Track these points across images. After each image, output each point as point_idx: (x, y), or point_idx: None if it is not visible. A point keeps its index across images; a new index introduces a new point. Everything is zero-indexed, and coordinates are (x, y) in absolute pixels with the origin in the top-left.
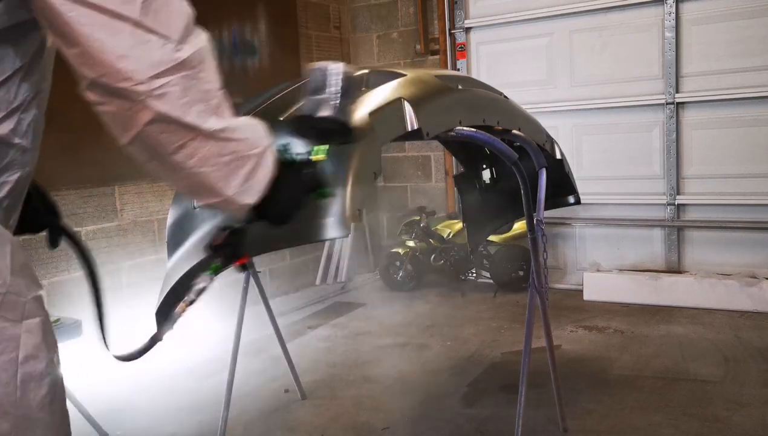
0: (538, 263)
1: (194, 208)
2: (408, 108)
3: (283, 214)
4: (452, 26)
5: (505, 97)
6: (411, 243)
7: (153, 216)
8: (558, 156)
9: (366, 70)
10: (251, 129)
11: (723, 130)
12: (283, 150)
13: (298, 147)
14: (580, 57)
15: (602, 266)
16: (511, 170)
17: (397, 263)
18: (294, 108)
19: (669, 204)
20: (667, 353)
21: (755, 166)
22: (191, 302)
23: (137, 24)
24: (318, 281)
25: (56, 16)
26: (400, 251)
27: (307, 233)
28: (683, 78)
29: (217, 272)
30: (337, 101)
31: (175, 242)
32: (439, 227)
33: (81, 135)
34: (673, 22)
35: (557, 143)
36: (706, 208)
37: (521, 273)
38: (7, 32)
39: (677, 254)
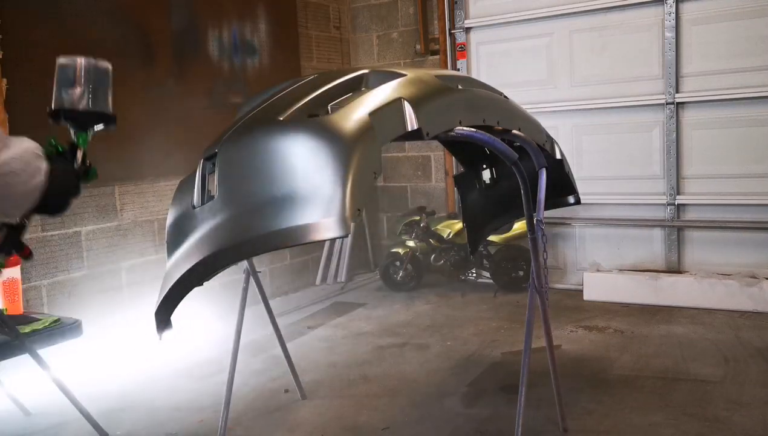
0: (538, 263)
1: (193, 207)
2: (408, 108)
3: (59, 206)
4: (452, 26)
5: (505, 97)
6: (411, 243)
7: (153, 216)
8: (558, 156)
9: (366, 70)
10: (21, 161)
11: (723, 130)
12: (52, 145)
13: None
14: (580, 57)
15: (602, 266)
16: (511, 170)
17: (397, 263)
18: (294, 108)
19: (669, 204)
20: (667, 353)
21: (755, 166)
22: None
23: None
24: (318, 281)
25: None
26: (400, 251)
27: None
28: (683, 78)
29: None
30: (89, 93)
31: (175, 242)
32: (439, 227)
33: None
34: (673, 22)
35: (557, 143)
36: (706, 208)
37: (521, 273)
38: None
39: (677, 254)
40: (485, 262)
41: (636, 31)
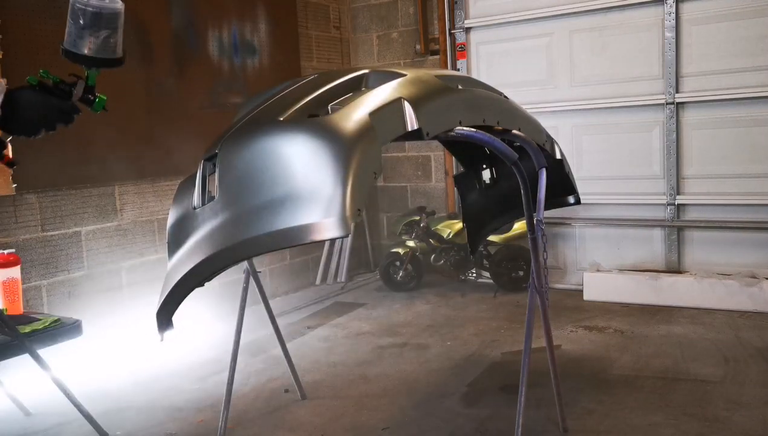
0: (538, 263)
1: (194, 208)
2: (408, 108)
3: (24, 126)
4: (452, 26)
5: (505, 97)
6: (411, 243)
7: (153, 216)
8: (558, 156)
9: (366, 70)
10: None
11: (723, 130)
12: (43, 76)
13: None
14: (580, 57)
15: (602, 266)
16: (511, 170)
17: (397, 263)
18: (294, 108)
19: (669, 204)
20: (667, 353)
21: (755, 166)
22: None
23: None
24: (318, 281)
25: None
26: (400, 251)
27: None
28: (683, 78)
29: None
30: (95, 37)
31: (175, 243)
32: (439, 226)
33: (81, 135)
34: (673, 22)
35: (557, 143)
36: (706, 208)
37: (521, 273)
38: None
39: (677, 254)
40: (485, 262)
41: (636, 31)
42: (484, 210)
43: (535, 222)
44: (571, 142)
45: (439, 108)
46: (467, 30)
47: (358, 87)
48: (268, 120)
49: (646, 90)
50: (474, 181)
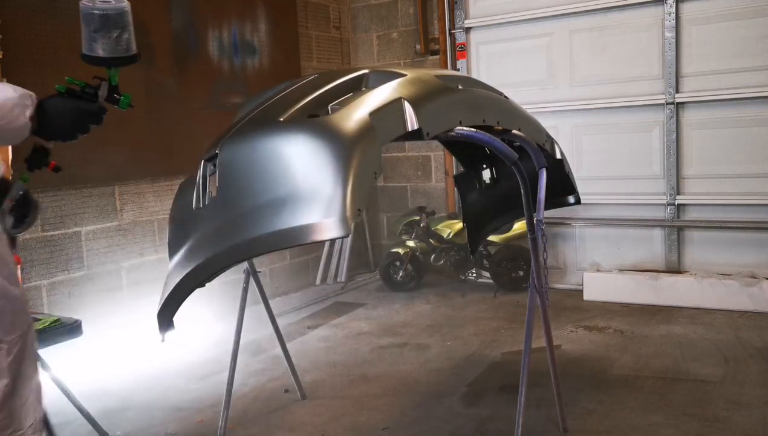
0: (538, 263)
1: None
2: (408, 108)
3: (58, 133)
4: (452, 26)
5: (505, 97)
6: (411, 243)
7: (153, 216)
8: (558, 156)
9: (366, 70)
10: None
11: (723, 130)
12: (72, 82)
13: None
14: (580, 57)
15: (602, 266)
16: (511, 170)
17: (397, 263)
18: (294, 108)
19: (669, 204)
20: (667, 353)
21: (755, 166)
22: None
23: None
24: (318, 281)
25: None
26: (400, 251)
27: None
28: (683, 78)
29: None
30: (107, 38)
31: (176, 244)
32: (439, 226)
33: None
34: (673, 22)
35: (557, 143)
36: (706, 208)
37: (521, 273)
38: None
39: (677, 254)
40: (485, 262)
41: (636, 31)
42: (484, 210)
43: (535, 222)
44: (571, 142)
45: (439, 108)
46: (467, 30)
47: (358, 87)
48: (268, 120)
49: (646, 90)
50: (474, 181)
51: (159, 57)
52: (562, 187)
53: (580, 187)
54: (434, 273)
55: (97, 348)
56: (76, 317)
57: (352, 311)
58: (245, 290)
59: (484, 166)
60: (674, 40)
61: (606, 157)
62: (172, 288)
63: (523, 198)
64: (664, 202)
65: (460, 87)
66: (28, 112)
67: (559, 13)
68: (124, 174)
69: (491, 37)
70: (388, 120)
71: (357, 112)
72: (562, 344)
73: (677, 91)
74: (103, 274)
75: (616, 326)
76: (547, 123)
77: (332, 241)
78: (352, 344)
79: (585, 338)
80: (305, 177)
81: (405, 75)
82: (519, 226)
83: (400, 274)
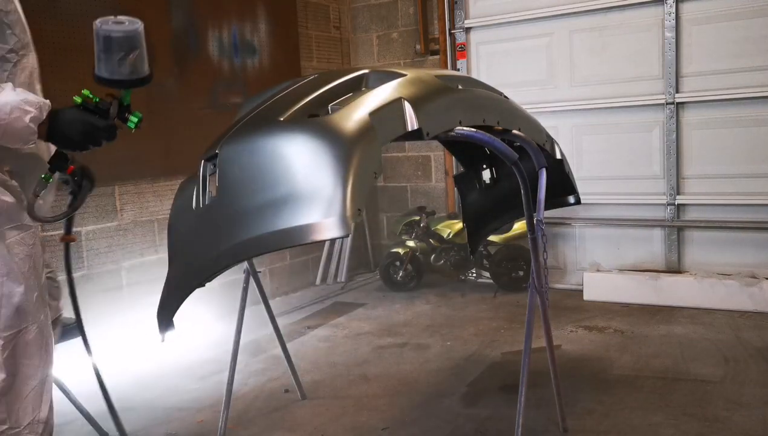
0: (538, 263)
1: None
2: (408, 108)
3: (67, 141)
4: (452, 26)
5: (505, 97)
6: (411, 243)
7: (153, 216)
8: (558, 156)
9: (366, 70)
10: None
11: (723, 130)
12: (86, 96)
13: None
14: (580, 57)
15: (602, 266)
16: (511, 170)
17: (397, 263)
18: (294, 108)
19: (669, 204)
20: (667, 353)
21: (755, 166)
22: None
23: None
24: (318, 281)
25: None
26: (400, 251)
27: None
28: (683, 78)
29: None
30: (115, 61)
31: (176, 244)
32: (439, 226)
33: None
34: (673, 22)
35: (557, 143)
36: (706, 208)
37: (521, 273)
38: None
39: (677, 254)
40: (485, 262)
41: (636, 31)
42: (484, 210)
43: (535, 222)
44: (571, 142)
45: (439, 108)
46: (467, 30)
47: (358, 87)
48: (268, 120)
49: (646, 90)
50: (474, 181)
51: (159, 57)
52: (562, 187)
53: (580, 187)
54: (434, 273)
55: (97, 348)
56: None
57: (352, 311)
58: (245, 290)
59: (484, 166)
60: (674, 40)
61: (606, 157)
62: (172, 288)
63: (523, 198)
64: (664, 202)
65: (460, 87)
66: (28, 118)
67: (559, 13)
68: (124, 174)
69: (491, 37)
70: (388, 120)
71: (357, 112)
72: (562, 344)
73: (677, 91)
74: (103, 274)
75: (616, 326)
76: (547, 123)
77: (332, 241)
78: (352, 344)
79: (585, 338)
80: (305, 177)
81: (405, 75)
82: (519, 226)
83: (400, 274)
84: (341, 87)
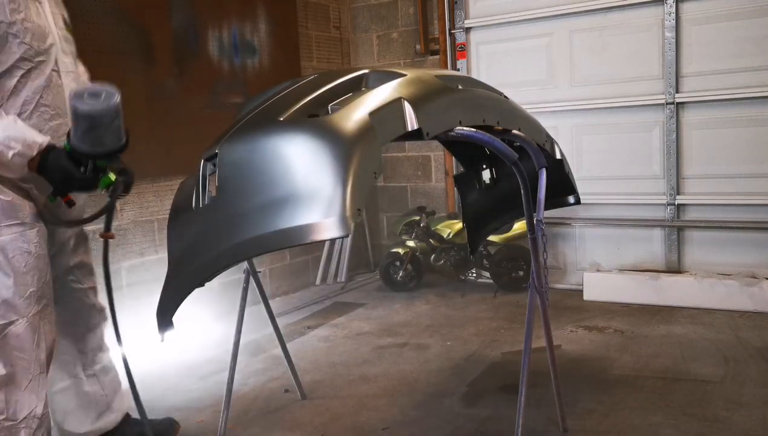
0: (538, 263)
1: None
2: (408, 108)
3: (53, 182)
4: (452, 26)
5: (505, 97)
6: (411, 243)
7: (153, 216)
8: (558, 156)
9: (366, 70)
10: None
11: (723, 130)
12: (71, 152)
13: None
14: (580, 57)
15: (602, 266)
16: (511, 170)
17: (397, 263)
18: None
19: (669, 204)
20: (667, 353)
21: (755, 166)
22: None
23: None
24: (318, 281)
25: None
26: (400, 251)
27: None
28: (683, 78)
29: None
30: (79, 133)
31: (176, 243)
32: (439, 226)
33: None
34: (673, 22)
35: (557, 143)
36: (706, 208)
37: (521, 273)
38: None
39: (677, 254)
40: (485, 262)
41: (636, 31)
42: (484, 210)
43: (535, 222)
44: (571, 142)
45: (439, 108)
46: (467, 30)
47: (358, 87)
48: (268, 120)
49: (646, 90)
50: (474, 181)
51: (159, 57)
52: (562, 187)
53: (580, 187)
54: (434, 273)
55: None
56: None
57: (352, 311)
58: (245, 290)
59: (484, 166)
60: (674, 40)
61: (606, 157)
62: (171, 288)
63: (523, 198)
64: (664, 202)
65: (460, 87)
66: (11, 153)
67: (559, 13)
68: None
69: (491, 37)
70: (388, 120)
71: (357, 112)
72: (562, 344)
73: (677, 91)
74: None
75: (616, 326)
76: (547, 123)
77: (332, 241)
78: (352, 344)
79: (585, 338)
80: (305, 177)
81: (405, 75)
82: (519, 226)
83: (400, 274)
84: (341, 87)
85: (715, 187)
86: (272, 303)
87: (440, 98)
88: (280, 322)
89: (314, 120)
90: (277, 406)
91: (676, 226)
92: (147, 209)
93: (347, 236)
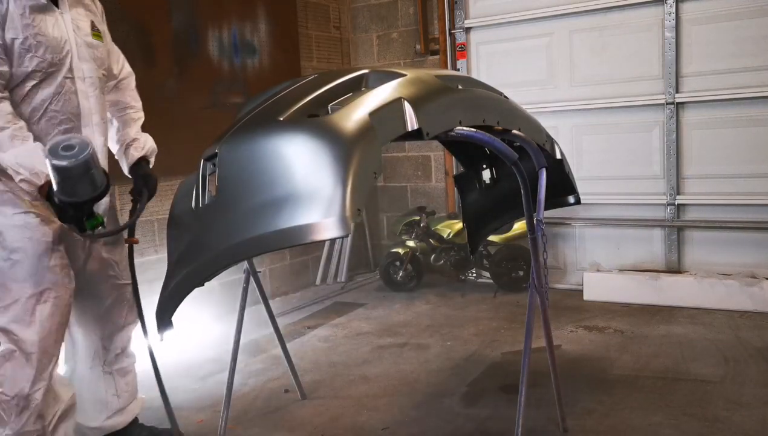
0: (538, 263)
1: (194, 208)
2: (408, 108)
3: (56, 209)
4: (452, 26)
5: (505, 97)
6: (411, 243)
7: (153, 216)
8: (558, 156)
9: (366, 70)
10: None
11: (723, 130)
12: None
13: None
14: (580, 57)
15: (602, 266)
16: (511, 170)
17: (397, 263)
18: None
19: (669, 204)
20: (667, 353)
21: (755, 166)
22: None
23: None
24: (318, 281)
25: None
26: (400, 251)
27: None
28: (683, 78)
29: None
30: (56, 182)
31: (176, 243)
32: (439, 226)
33: None
34: (673, 22)
35: (557, 143)
36: (706, 208)
37: (521, 273)
38: None
39: (677, 254)
40: (485, 262)
41: (636, 31)
42: (484, 210)
43: (535, 222)
44: (571, 142)
45: (439, 108)
46: (467, 30)
47: (358, 87)
48: (268, 120)
49: (646, 90)
50: (474, 181)
51: (159, 57)
52: (562, 187)
53: (580, 187)
54: (434, 273)
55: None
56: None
57: (352, 311)
58: (245, 290)
59: (484, 166)
60: (674, 40)
61: (606, 157)
62: (171, 288)
63: (523, 198)
64: (664, 202)
65: (460, 87)
66: (18, 178)
67: (559, 13)
68: (124, 174)
69: (491, 37)
70: (388, 120)
71: (357, 112)
72: (562, 344)
73: (677, 91)
74: None
75: (616, 326)
76: (547, 123)
77: (332, 241)
78: (352, 344)
79: (585, 338)
80: (305, 177)
81: (405, 75)
82: (519, 226)
83: (400, 274)
84: (341, 87)
85: (715, 187)
86: (272, 303)
87: (440, 98)
88: (280, 322)
89: (314, 120)
90: (277, 406)
91: (676, 226)
92: (147, 209)
93: (347, 235)
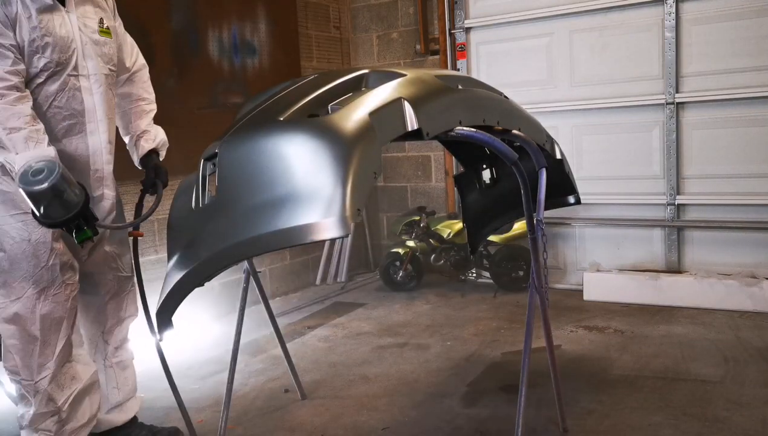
0: (538, 263)
1: (194, 208)
2: (408, 108)
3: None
4: (452, 26)
5: (505, 97)
6: (411, 243)
7: (153, 216)
8: (558, 156)
9: (366, 70)
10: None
11: (723, 130)
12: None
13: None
14: (580, 57)
15: (602, 266)
16: (511, 170)
17: (397, 263)
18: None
19: (669, 204)
20: (667, 353)
21: (755, 166)
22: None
23: None
24: (318, 281)
25: None
26: (400, 251)
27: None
28: (683, 78)
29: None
30: (48, 207)
31: (176, 243)
32: (439, 226)
33: None
34: (673, 22)
35: (557, 143)
36: (706, 208)
37: (521, 273)
38: None
39: (677, 254)
40: (485, 262)
41: (636, 31)
42: (484, 210)
43: (535, 222)
44: (571, 142)
45: (439, 108)
46: (467, 30)
47: (358, 87)
48: (268, 120)
49: (646, 90)
50: (474, 181)
51: (159, 57)
52: (562, 187)
53: (580, 187)
54: (434, 273)
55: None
56: None
57: (352, 311)
58: (245, 290)
59: (484, 166)
60: (674, 40)
61: (606, 157)
62: (171, 287)
63: (523, 198)
64: (664, 202)
65: (460, 87)
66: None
67: (559, 13)
68: (124, 174)
69: (491, 37)
70: (388, 120)
71: (357, 112)
72: (562, 344)
73: (677, 91)
74: None
75: (616, 326)
76: (547, 123)
77: (332, 241)
78: (352, 344)
79: (585, 338)
80: (305, 177)
81: (405, 75)
82: (519, 226)
83: (400, 274)
84: (341, 87)
85: (715, 187)
86: (272, 303)
87: (440, 98)
88: (280, 322)
89: (314, 120)
90: (277, 406)
91: (676, 226)
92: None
93: (347, 236)
